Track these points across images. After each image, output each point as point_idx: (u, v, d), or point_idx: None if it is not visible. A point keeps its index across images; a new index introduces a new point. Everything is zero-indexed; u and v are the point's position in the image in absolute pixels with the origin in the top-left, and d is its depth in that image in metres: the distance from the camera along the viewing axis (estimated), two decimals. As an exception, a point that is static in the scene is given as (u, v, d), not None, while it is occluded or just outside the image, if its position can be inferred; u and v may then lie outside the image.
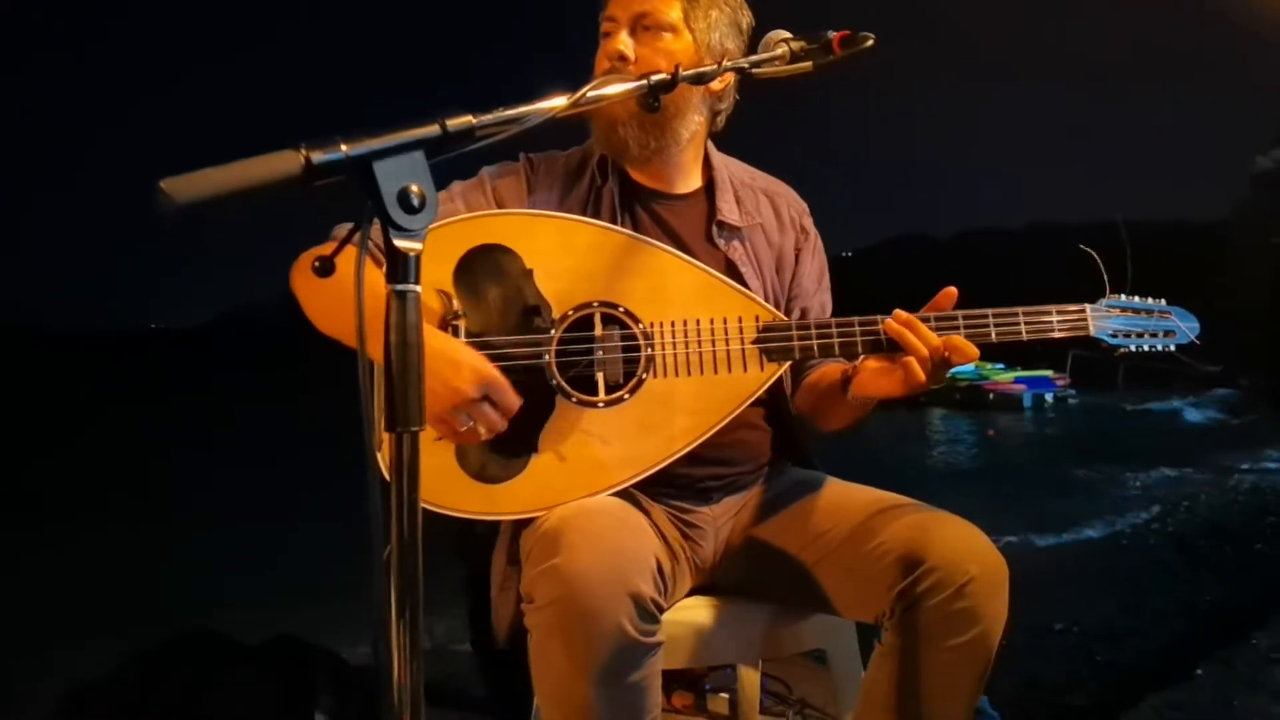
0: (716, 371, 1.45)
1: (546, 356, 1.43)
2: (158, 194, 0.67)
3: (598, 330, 1.44)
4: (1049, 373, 11.43)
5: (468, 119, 0.87)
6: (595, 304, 1.45)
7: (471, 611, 1.80)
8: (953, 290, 1.43)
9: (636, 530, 1.34)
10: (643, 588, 1.24)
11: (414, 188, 0.81)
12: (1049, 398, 10.99)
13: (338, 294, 1.37)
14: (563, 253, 1.47)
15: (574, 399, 1.43)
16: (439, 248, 1.44)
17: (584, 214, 1.56)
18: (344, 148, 0.77)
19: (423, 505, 1.36)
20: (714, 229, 1.61)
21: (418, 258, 0.83)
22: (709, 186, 1.65)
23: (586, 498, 1.40)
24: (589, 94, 1.01)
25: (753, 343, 1.45)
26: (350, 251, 1.45)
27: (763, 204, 1.70)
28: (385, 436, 1.36)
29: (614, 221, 1.55)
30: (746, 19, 1.58)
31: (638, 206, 1.60)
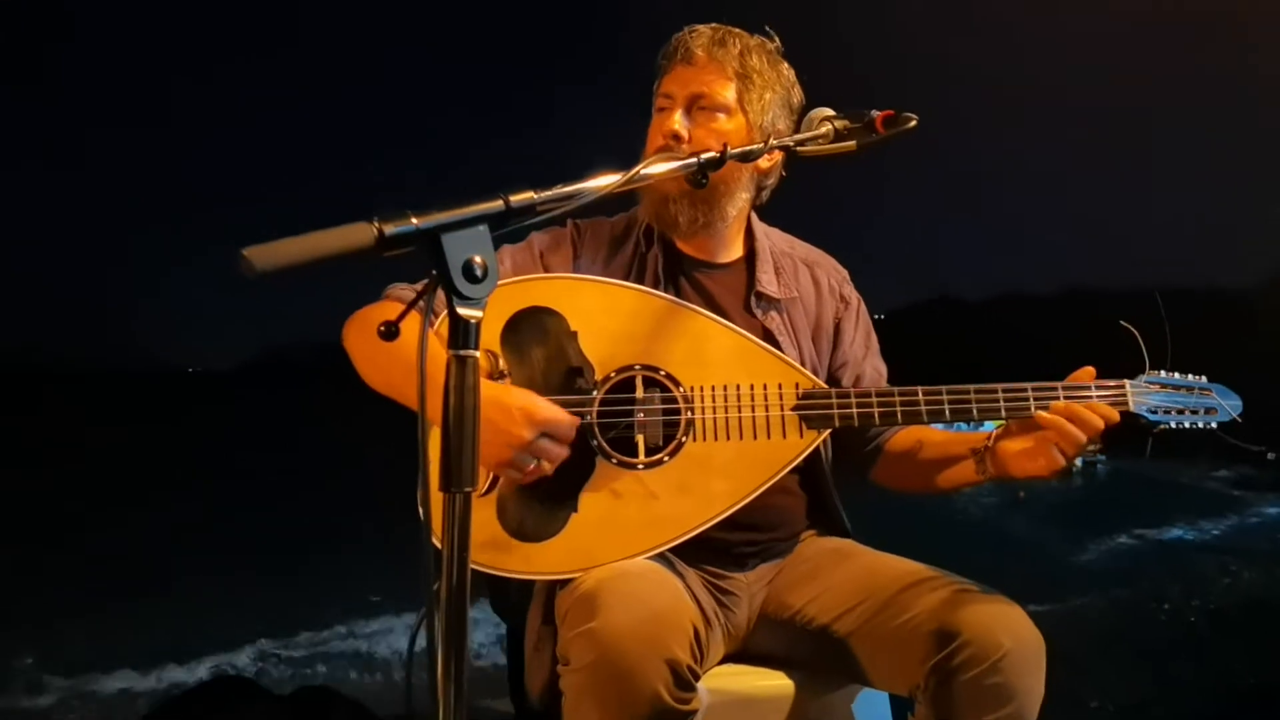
0: (756, 437, 1.46)
1: (588, 417, 1.45)
2: (239, 260, 0.71)
3: (639, 392, 1.47)
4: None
5: (529, 195, 0.91)
6: (637, 367, 1.47)
7: (509, 669, 1.80)
8: (1091, 369, 1.46)
9: (674, 595, 1.35)
10: (679, 654, 1.24)
11: (478, 259, 0.85)
12: (1079, 463, 10.78)
13: (392, 355, 1.42)
14: (606, 316, 1.50)
15: (614, 460, 1.44)
16: (487, 308, 1.48)
17: (627, 279, 1.59)
18: (414, 221, 0.81)
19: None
20: (752, 299, 1.64)
21: (478, 325, 0.86)
22: (750, 257, 1.69)
23: (624, 560, 1.41)
24: (640, 172, 1.05)
25: (792, 409, 1.47)
26: (390, 307, 1.50)
27: (802, 274, 1.72)
28: (430, 491, 1.42)
29: (656, 288, 1.59)
30: (798, 97, 1.62)
31: (680, 274, 1.63)
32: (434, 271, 0.85)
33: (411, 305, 0.88)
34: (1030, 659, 1.33)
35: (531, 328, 1.49)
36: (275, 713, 1.96)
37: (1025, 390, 1.44)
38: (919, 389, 1.46)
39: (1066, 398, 1.45)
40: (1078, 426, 1.41)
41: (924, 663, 1.36)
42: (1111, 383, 1.50)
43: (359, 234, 0.77)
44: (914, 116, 1.27)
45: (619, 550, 1.42)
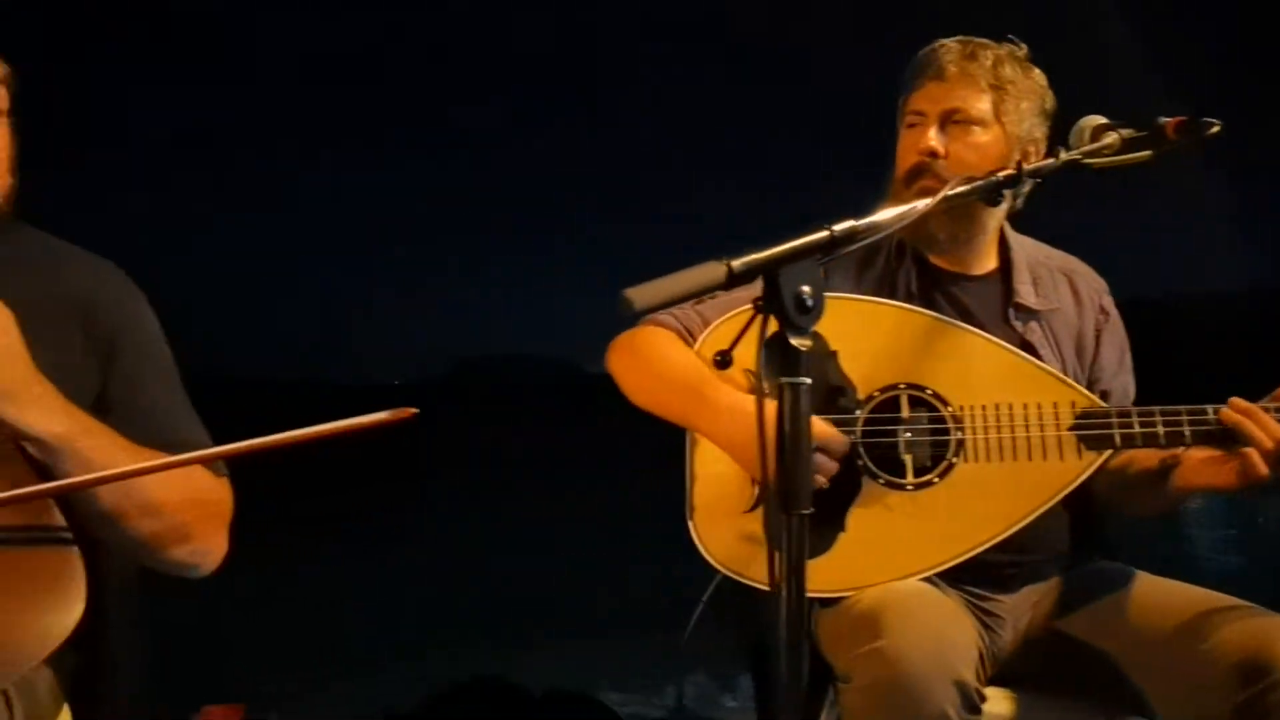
0: (1030, 458, 1.42)
1: (854, 436, 1.46)
2: (620, 301, 0.78)
3: (904, 412, 1.46)
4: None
5: (850, 224, 0.94)
6: (902, 385, 1.47)
7: (755, 685, 1.83)
8: None
9: (956, 616, 1.34)
10: (967, 675, 1.23)
11: (806, 289, 0.89)
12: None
13: (660, 377, 1.51)
14: (866, 334, 1.50)
15: (881, 480, 1.45)
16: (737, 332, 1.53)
17: (879, 296, 1.59)
18: (756, 257, 0.86)
19: (730, 575, 1.45)
20: (1011, 311, 1.60)
21: (808, 353, 0.89)
22: (1005, 267, 1.64)
23: (893, 581, 1.41)
24: (947, 194, 1.06)
25: (1069, 429, 1.42)
26: (651, 331, 1.57)
27: (1060, 284, 1.67)
28: (696, 507, 1.47)
29: (910, 303, 1.58)
30: (1051, 102, 1.58)
31: (934, 288, 1.61)
32: (761, 301, 0.90)
33: (741, 336, 0.93)
34: None
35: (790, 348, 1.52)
36: (531, 711, 2.07)
37: None
38: (1208, 406, 1.38)
39: None
40: (1259, 427, 1.31)
41: (1226, 697, 1.28)
42: None
43: (713, 272, 0.83)
44: (1216, 122, 1.21)
45: (889, 571, 1.42)
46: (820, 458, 1.35)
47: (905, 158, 1.56)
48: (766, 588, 1.45)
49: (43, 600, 0.99)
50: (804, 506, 0.89)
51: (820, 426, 1.37)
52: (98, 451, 1.11)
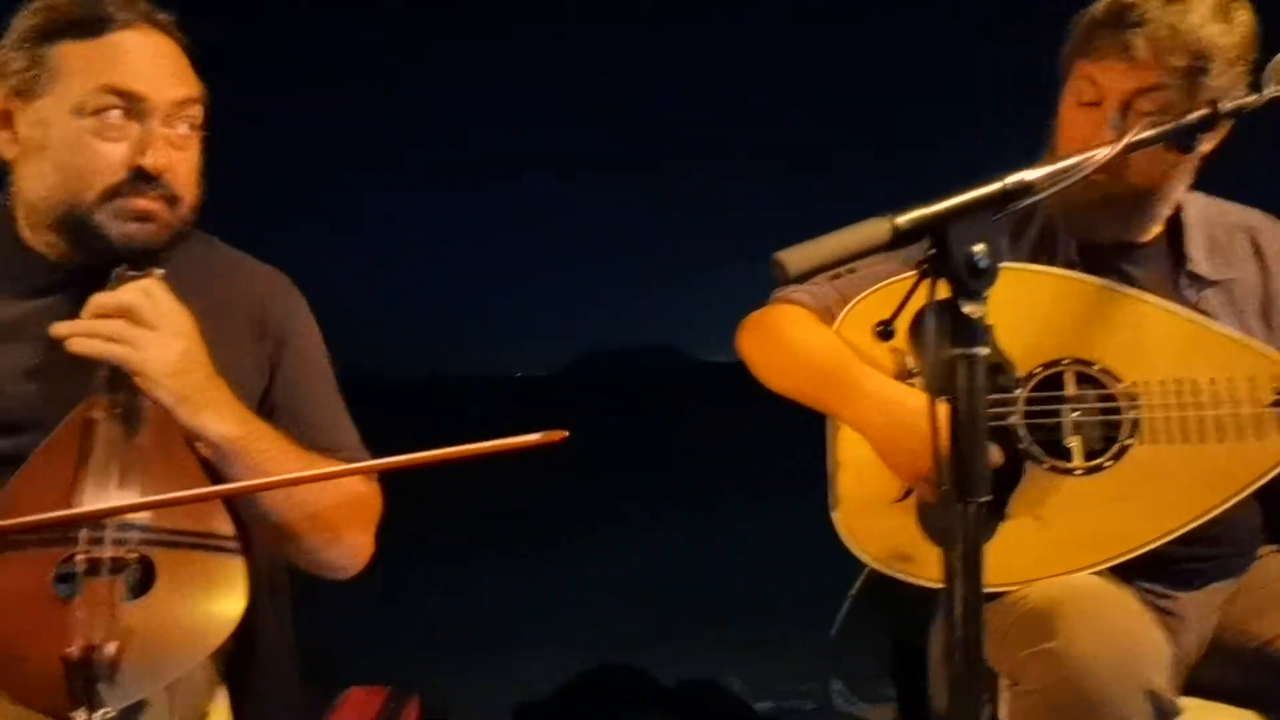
0: (1222, 440, 1.27)
1: (1013, 418, 1.33)
2: (771, 265, 0.70)
3: (1070, 389, 1.33)
4: None
5: (1023, 177, 0.83)
6: (1066, 360, 1.34)
7: (896, 681, 1.74)
8: None
9: (1141, 617, 1.20)
10: (1159, 682, 1.10)
11: (979, 248, 0.79)
12: None
13: (795, 357, 1.42)
14: (1024, 306, 1.37)
15: (1046, 465, 1.32)
16: (891, 303, 1.42)
17: (1036, 263, 1.45)
18: (923, 212, 0.77)
19: (881, 569, 1.36)
20: (1182, 280, 1.43)
21: (983, 321, 0.80)
22: (1174, 230, 1.47)
23: (1064, 575, 1.28)
24: (1131, 140, 0.94)
25: (1271, 405, 1.26)
26: (785, 309, 1.48)
27: (1239, 243, 1.47)
28: (841, 498, 1.38)
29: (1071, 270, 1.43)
30: (1254, 51, 1.35)
31: (1096, 255, 1.46)
32: (926, 265, 0.80)
33: (905, 302, 0.84)
34: None
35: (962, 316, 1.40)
36: (661, 702, 2.03)
37: None
38: None
39: None
40: None
41: None
42: None
43: (875, 230, 0.75)
44: None
45: (1057, 564, 1.29)
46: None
47: (1072, 134, 1.36)
48: (919, 582, 1.37)
49: (210, 598, 1.02)
50: (980, 493, 0.79)
51: None
52: (266, 456, 1.14)
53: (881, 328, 0.85)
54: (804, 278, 0.71)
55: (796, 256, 0.70)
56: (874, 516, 1.37)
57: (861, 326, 1.41)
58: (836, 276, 1.45)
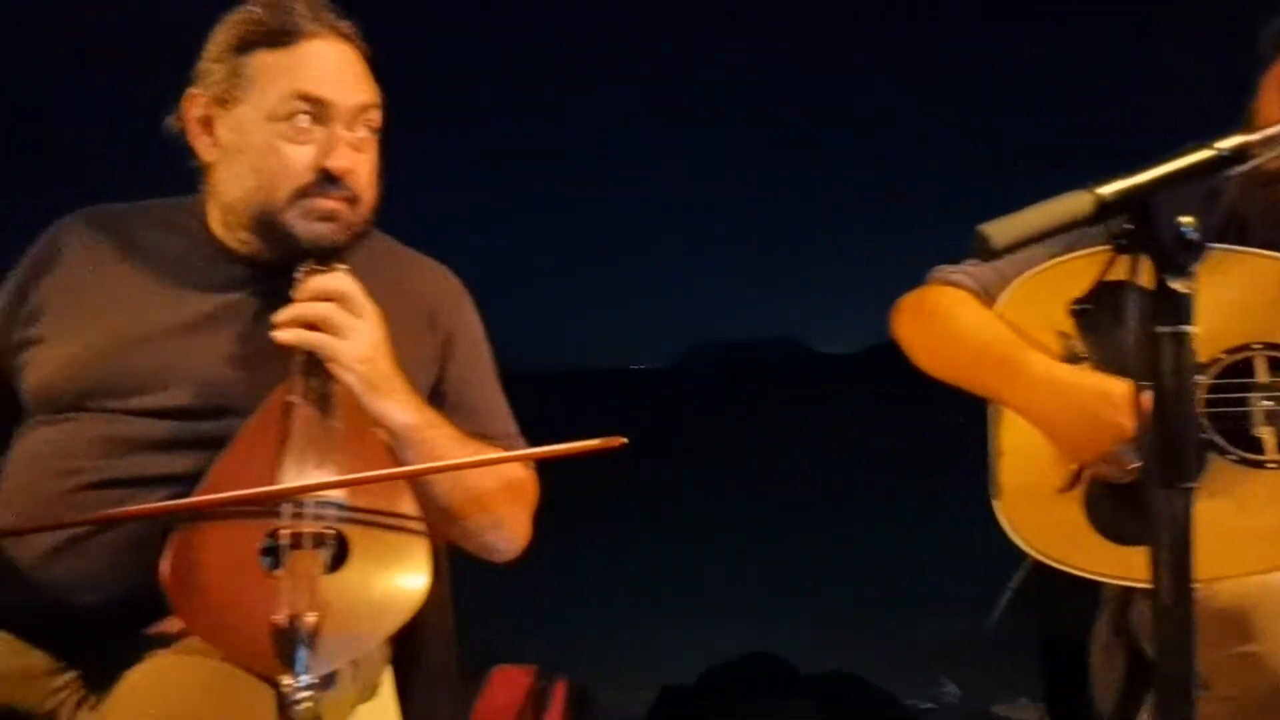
0: None
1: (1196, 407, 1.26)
2: (975, 238, 0.68)
3: (1261, 377, 1.24)
4: None
5: (1241, 140, 0.78)
6: (1256, 345, 1.25)
7: (1047, 680, 1.67)
8: None
9: None
10: None
11: (1187, 220, 0.75)
12: None
13: (955, 340, 1.37)
14: (1209, 286, 1.28)
15: (1233, 457, 1.24)
16: (1055, 286, 1.36)
17: (1220, 241, 1.37)
18: (1129, 183, 0.73)
19: (1047, 561, 1.31)
20: None
21: (1189, 297, 0.76)
22: None
23: (1257, 574, 1.20)
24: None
25: None
26: (943, 291, 1.44)
27: None
28: (1004, 487, 1.34)
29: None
30: None
31: None
32: (1124, 240, 0.77)
33: (1102, 279, 0.80)
34: None
35: (1109, 305, 1.33)
36: (805, 692, 2.01)
37: None
38: None
39: None
40: None
41: None
42: None
43: (1079, 202, 0.72)
44: None
45: (1248, 562, 1.21)
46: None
47: (1275, 115, 1.28)
48: (1085, 574, 1.31)
49: (398, 574, 1.06)
50: (1190, 478, 0.75)
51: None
52: (438, 443, 1.20)
53: (1078, 307, 0.82)
54: (1008, 250, 0.69)
55: (1001, 229, 0.69)
56: (1038, 506, 1.32)
57: (1025, 308, 1.36)
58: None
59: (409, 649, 1.32)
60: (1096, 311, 1.34)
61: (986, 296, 1.41)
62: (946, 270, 1.48)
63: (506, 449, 1.36)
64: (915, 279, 1.50)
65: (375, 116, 1.26)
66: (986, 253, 0.68)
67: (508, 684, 1.95)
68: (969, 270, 1.43)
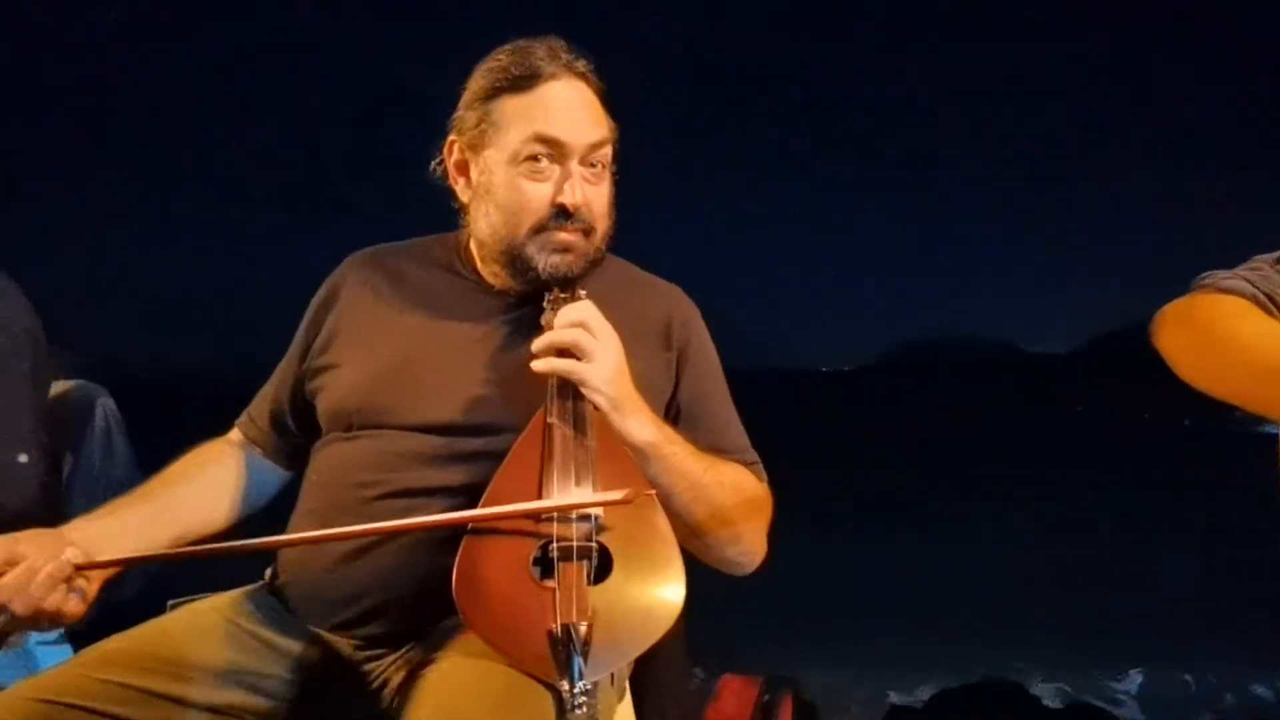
0: None
1: None
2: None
3: None
4: None
5: None
6: None
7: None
8: None
9: None
10: None
11: None
12: None
13: (1236, 353, 1.25)
14: None
15: None
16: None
17: None
18: None
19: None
20: None
21: None
22: None
23: None
24: None
25: None
26: (1219, 299, 1.31)
27: None
28: None
29: None
30: None
31: None
32: None
33: None
34: None
35: None
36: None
37: None
38: None
39: None
40: None
41: None
42: None
43: None
44: None
45: None
46: None
47: None
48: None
49: (657, 586, 1.10)
50: None
51: None
52: (676, 459, 1.26)
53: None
54: None
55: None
56: None
57: None
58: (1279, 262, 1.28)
59: (648, 659, 1.36)
60: None
61: (1269, 305, 1.28)
62: (1219, 276, 1.35)
63: (740, 463, 1.39)
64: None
65: (607, 152, 1.35)
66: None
67: (737, 694, 1.97)
68: (1247, 276, 1.30)
